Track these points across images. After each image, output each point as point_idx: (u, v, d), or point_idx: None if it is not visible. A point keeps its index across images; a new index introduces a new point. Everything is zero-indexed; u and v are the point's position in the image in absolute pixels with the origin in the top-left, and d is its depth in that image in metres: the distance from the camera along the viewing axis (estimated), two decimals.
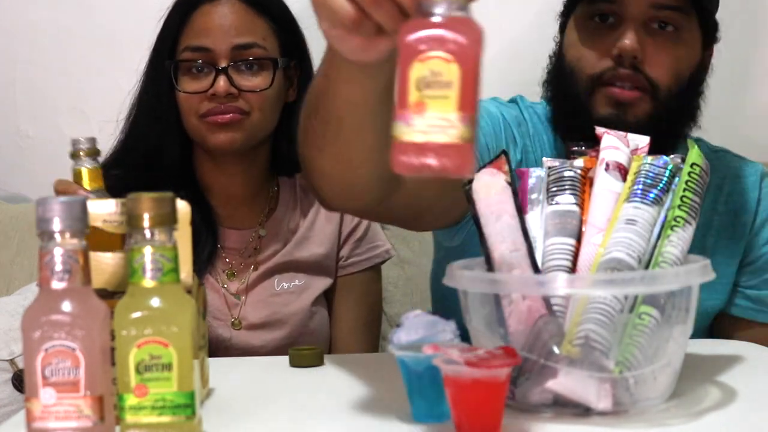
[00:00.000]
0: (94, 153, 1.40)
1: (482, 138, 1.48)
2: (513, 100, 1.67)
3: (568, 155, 1.21)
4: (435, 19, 0.86)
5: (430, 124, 0.84)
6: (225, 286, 1.70)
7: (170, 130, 1.67)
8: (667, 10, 1.49)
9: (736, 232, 1.63)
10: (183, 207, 1.04)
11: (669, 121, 1.51)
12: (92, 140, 1.40)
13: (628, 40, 1.46)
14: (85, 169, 1.38)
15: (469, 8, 0.89)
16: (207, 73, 1.65)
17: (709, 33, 1.57)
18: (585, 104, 1.50)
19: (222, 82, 1.62)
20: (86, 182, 1.39)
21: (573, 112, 1.52)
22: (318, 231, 1.77)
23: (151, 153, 1.68)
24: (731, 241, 1.62)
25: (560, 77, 1.55)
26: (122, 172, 1.68)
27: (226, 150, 1.66)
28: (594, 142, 1.19)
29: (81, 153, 1.39)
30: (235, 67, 1.64)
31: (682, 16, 1.51)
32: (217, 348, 1.64)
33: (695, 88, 1.57)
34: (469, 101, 0.84)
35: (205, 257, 1.65)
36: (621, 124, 1.40)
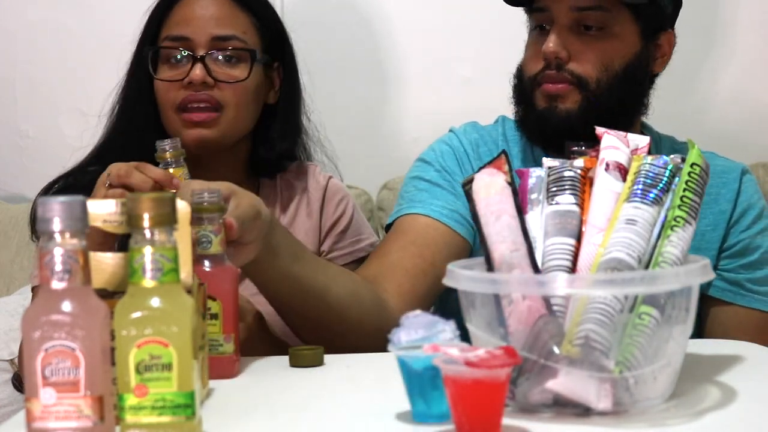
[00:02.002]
0: (179, 155, 1.46)
1: (434, 175, 1.71)
2: (496, 120, 1.81)
3: (568, 155, 1.21)
4: (204, 267, 1.22)
5: (209, 346, 1.22)
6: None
7: (149, 123, 1.66)
8: (589, 11, 1.61)
9: (717, 219, 1.70)
10: (183, 207, 1.04)
11: (607, 109, 1.60)
12: (176, 141, 1.47)
13: (551, 43, 1.61)
14: (171, 170, 1.45)
15: (225, 257, 1.25)
16: (185, 63, 1.64)
17: (651, 23, 1.64)
18: (531, 102, 1.66)
19: (198, 70, 1.62)
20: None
21: (525, 110, 1.68)
22: (299, 226, 1.73)
23: (130, 148, 1.63)
24: (711, 228, 1.69)
25: (517, 81, 1.71)
26: (100, 168, 1.66)
27: (200, 147, 1.64)
28: (594, 142, 1.20)
29: (167, 155, 1.46)
30: (212, 56, 1.64)
31: (606, 14, 1.61)
32: None
33: (634, 77, 1.65)
34: (230, 325, 1.25)
35: None
36: (554, 116, 1.62)
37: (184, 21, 1.65)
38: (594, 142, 1.20)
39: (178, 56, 1.64)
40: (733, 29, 2.32)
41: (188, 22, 1.65)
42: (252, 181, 1.75)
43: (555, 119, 1.62)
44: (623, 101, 1.63)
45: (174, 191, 1.35)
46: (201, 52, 1.63)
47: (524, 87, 1.67)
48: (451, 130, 1.79)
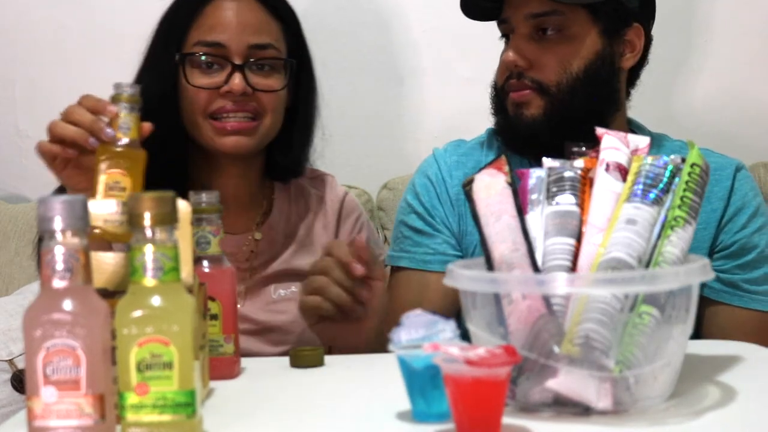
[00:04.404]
0: (135, 101, 1.34)
1: (423, 207, 1.73)
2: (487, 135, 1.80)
3: (567, 156, 1.22)
4: (203, 268, 1.23)
5: (209, 347, 1.23)
6: None
7: (171, 127, 1.59)
8: (544, 17, 1.62)
9: (708, 218, 1.67)
10: (184, 206, 1.04)
11: (574, 110, 1.60)
12: (136, 87, 1.35)
13: (510, 53, 1.64)
14: (123, 113, 1.33)
15: (224, 258, 1.26)
16: (219, 70, 1.60)
17: (613, 20, 1.63)
18: (504, 111, 1.68)
19: (237, 80, 1.58)
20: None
21: (501, 119, 1.70)
22: (316, 239, 1.73)
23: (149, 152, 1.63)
24: (702, 227, 1.66)
25: (493, 91, 1.73)
26: None
27: (233, 154, 1.62)
28: (594, 143, 1.20)
29: (122, 98, 1.33)
30: (250, 65, 1.60)
31: (562, 18, 1.62)
32: None
33: (598, 76, 1.64)
34: (229, 326, 1.26)
35: None
36: (521, 123, 1.64)
37: (219, 26, 1.60)
38: (594, 142, 1.20)
39: (212, 63, 1.60)
40: (731, 28, 2.31)
41: (224, 27, 1.60)
42: (267, 185, 1.74)
43: (522, 126, 1.64)
44: (590, 101, 1.63)
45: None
46: (238, 61, 1.59)
47: (498, 97, 1.70)
48: (434, 153, 1.79)
